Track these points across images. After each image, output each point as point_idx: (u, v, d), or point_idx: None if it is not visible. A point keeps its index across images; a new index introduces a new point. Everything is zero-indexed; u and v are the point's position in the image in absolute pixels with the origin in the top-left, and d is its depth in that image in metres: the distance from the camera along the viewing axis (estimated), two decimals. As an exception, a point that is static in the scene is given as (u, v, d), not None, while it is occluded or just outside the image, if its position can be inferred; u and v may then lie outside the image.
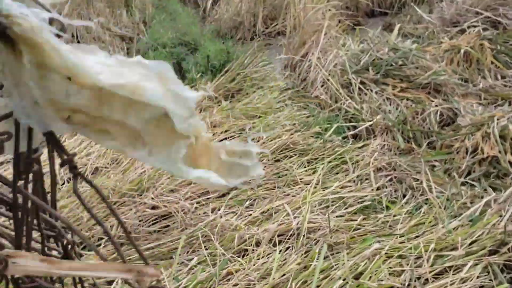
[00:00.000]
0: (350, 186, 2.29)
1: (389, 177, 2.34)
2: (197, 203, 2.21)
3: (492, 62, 3.96)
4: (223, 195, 2.27)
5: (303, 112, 3.15)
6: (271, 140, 2.63)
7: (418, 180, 2.31)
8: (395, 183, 2.31)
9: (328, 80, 3.42)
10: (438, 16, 5.21)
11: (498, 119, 2.83)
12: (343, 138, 2.84)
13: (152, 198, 2.21)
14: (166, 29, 6.14)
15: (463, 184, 2.48)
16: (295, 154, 2.56)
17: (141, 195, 2.23)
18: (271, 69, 3.75)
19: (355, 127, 3.01)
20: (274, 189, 2.31)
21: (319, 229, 2.00)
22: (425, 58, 3.64)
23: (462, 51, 3.95)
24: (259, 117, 3.01)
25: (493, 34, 4.33)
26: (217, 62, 4.77)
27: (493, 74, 3.89)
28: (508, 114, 2.90)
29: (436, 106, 3.22)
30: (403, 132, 3.03)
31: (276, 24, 6.09)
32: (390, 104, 3.24)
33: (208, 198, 2.26)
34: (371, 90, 3.32)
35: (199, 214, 2.13)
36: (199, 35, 5.89)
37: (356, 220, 2.07)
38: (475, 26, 4.68)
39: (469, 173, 2.65)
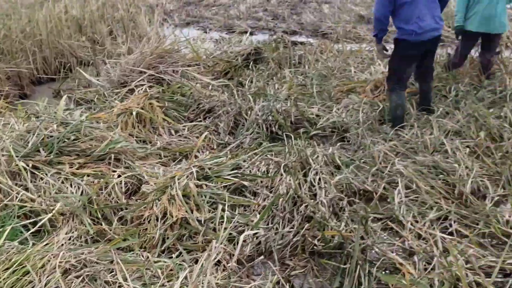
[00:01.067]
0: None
1: (80, 278, 2.08)
2: None
3: (164, 119, 4.16)
4: None
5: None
6: None
7: (113, 271, 2.13)
8: (89, 284, 2.06)
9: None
10: (106, 78, 5.23)
11: (178, 179, 2.93)
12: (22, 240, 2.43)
13: None
14: None
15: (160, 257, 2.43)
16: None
17: None
18: None
19: (35, 223, 2.63)
20: None
21: None
22: (98, 127, 3.53)
23: (134, 113, 4.02)
24: None
25: (159, 92, 4.57)
26: None
27: (167, 130, 4.08)
28: (186, 171, 3.03)
29: (119, 176, 3.13)
30: (91, 213, 2.82)
31: None
32: (71, 185, 2.99)
33: None
34: (47, 174, 2.99)
35: None
36: None
37: None
38: (142, 85, 4.87)
39: (164, 241, 2.63)
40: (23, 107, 4.30)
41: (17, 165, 3.03)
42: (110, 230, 2.69)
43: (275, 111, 4.06)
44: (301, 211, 2.68)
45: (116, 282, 2.08)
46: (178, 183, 2.87)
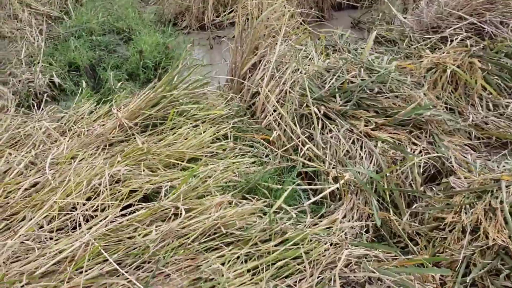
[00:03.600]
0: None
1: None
2: None
3: (483, 87, 3.24)
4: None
5: (246, 159, 2.32)
6: (191, 218, 1.80)
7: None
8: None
9: (281, 116, 2.59)
10: (415, 18, 4.45)
11: (507, 186, 2.11)
12: (300, 211, 2.04)
13: None
14: (98, 11, 5.13)
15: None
16: (227, 244, 1.75)
17: None
18: (211, 87, 2.89)
19: (315, 191, 2.22)
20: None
21: None
22: (406, 82, 2.87)
23: (448, 71, 3.21)
24: (183, 169, 2.17)
25: (484, 49, 3.60)
26: (151, 60, 3.86)
27: (484, 102, 3.18)
28: (516, 176, 2.18)
29: (420, 152, 2.48)
30: (377, 190, 2.27)
31: (230, 12, 5.18)
32: (362, 149, 2.46)
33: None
34: (338, 129, 2.52)
35: None
36: (136, 21, 4.92)
37: None
38: (457, 34, 3.96)
39: (467, 266, 1.93)
40: (322, 34, 3.90)
41: (308, 107, 2.64)
42: (399, 224, 2.10)
43: None
44: None
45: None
46: (506, 191, 2.07)
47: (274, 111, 2.68)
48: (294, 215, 1.93)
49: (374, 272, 1.63)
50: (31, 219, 1.88)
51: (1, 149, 2.46)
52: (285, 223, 1.87)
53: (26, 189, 2.13)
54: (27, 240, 1.76)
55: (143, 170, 2.09)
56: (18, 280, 1.58)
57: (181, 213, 1.82)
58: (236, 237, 1.79)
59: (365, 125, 2.59)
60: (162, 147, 2.24)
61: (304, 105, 2.67)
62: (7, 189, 2.13)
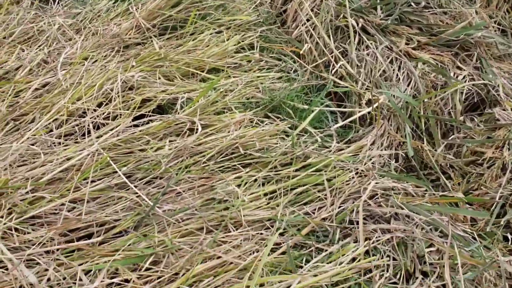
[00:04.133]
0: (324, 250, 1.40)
1: (385, 233, 1.44)
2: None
3: (543, 8, 2.89)
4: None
5: (272, 74, 2.13)
6: (208, 136, 1.66)
7: (433, 247, 1.43)
8: (394, 249, 1.42)
9: (314, 26, 2.34)
10: None
11: (558, 124, 1.90)
12: (326, 135, 1.87)
13: None
14: None
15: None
16: (245, 166, 1.62)
17: None
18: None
19: (343, 113, 2.04)
20: (199, 235, 1.41)
21: None
22: (457, -2, 2.55)
23: (507, -14, 2.85)
24: (202, 80, 2.00)
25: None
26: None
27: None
28: None
29: (464, 78, 2.24)
30: (411, 116, 2.09)
31: None
32: (400, 69, 2.24)
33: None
34: (376, 46, 2.28)
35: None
36: None
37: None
38: None
39: (503, 206, 1.78)
40: None
41: (345, 18, 2.38)
42: (432, 156, 1.94)
43: None
44: None
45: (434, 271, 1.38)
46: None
47: (308, 20, 2.43)
48: (319, 139, 1.77)
49: (403, 209, 1.49)
50: (39, 122, 1.78)
51: (13, 44, 2.31)
52: (308, 147, 1.71)
53: (36, 89, 2.01)
54: (35, 144, 1.66)
55: (159, 78, 1.93)
56: (24, 186, 1.50)
57: (197, 129, 1.68)
58: (255, 159, 1.65)
59: (406, 43, 2.33)
60: (181, 53, 2.06)
61: (341, 16, 2.41)
62: (17, 87, 2.01)
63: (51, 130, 1.78)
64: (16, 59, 2.20)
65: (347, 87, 2.07)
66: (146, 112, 1.79)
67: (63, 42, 2.37)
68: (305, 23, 2.46)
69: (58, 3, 2.74)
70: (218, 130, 1.71)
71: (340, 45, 2.33)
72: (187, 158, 1.63)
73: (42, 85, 2.04)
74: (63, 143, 1.69)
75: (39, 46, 2.30)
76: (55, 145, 1.69)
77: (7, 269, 1.24)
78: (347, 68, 2.16)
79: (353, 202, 1.57)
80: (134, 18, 2.32)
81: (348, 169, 1.69)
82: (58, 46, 2.31)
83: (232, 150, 1.65)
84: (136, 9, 2.48)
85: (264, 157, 1.65)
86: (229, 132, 1.69)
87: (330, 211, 1.55)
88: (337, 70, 2.14)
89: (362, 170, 1.70)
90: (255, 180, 1.60)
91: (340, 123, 1.93)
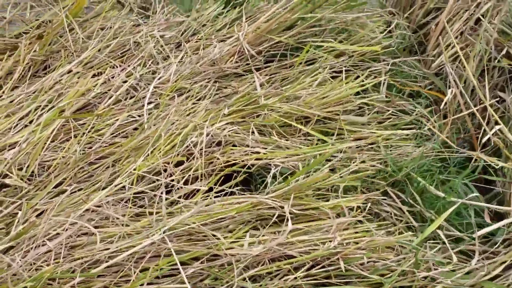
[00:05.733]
0: None
1: None
2: None
3: None
4: None
5: (399, 131, 1.63)
6: (299, 233, 1.25)
7: None
8: None
9: (461, 62, 1.76)
10: None
11: None
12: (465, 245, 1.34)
13: None
14: None
15: None
16: (346, 283, 1.20)
17: None
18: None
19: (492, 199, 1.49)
20: None
21: None
22: None
23: None
24: (307, 137, 1.56)
25: None
26: None
27: None
28: None
29: None
30: None
31: None
32: None
33: None
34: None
35: None
36: None
37: None
38: None
39: None
40: None
41: (509, 56, 1.76)
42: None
43: None
44: None
45: None
46: None
47: (455, 49, 1.86)
48: (455, 258, 1.26)
49: None
50: (109, 178, 1.51)
51: (106, 61, 2.08)
52: (436, 266, 1.23)
53: (120, 125, 1.76)
54: (96, 215, 1.39)
55: (252, 132, 1.55)
56: (71, 276, 1.25)
57: (287, 220, 1.28)
58: (359, 278, 1.22)
59: None
60: (284, 98, 1.64)
61: (505, 50, 1.80)
62: (98, 122, 1.78)
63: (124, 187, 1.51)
64: (104, 81, 1.97)
65: (503, 168, 1.50)
66: (228, 186, 1.43)
67: (159, 60, 2.10)
68: (448, 51, 1.90)
69: (163, 7, 2.46)
70: (316, 228, 1.29)
71: (495, 94, 1.74)
72: (269, 262, 1.26)
73: (124, 121, 1.79)
74: (127, 217, 1.40)
75: (130, 65, 2.05)
76: (118, 220, 1.41)
77: None
78: (506, 135, 1.58)
79: None
80: (238, 41, 1.94)
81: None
82: (151, 69, 2.03)
83: (329, 262, 1.24)
84: (246, 21, 2.12)
85: (373, 278, 1.21)
86: (327, 231, 1.27)
87: None
88: (489, 138, 1.57)
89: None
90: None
91: (491, 228, 1.36)
